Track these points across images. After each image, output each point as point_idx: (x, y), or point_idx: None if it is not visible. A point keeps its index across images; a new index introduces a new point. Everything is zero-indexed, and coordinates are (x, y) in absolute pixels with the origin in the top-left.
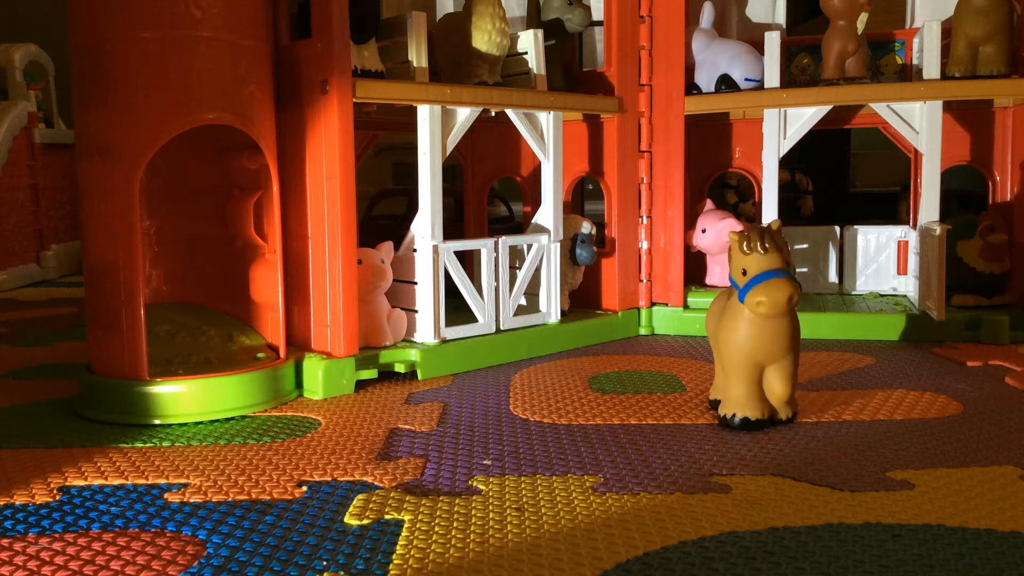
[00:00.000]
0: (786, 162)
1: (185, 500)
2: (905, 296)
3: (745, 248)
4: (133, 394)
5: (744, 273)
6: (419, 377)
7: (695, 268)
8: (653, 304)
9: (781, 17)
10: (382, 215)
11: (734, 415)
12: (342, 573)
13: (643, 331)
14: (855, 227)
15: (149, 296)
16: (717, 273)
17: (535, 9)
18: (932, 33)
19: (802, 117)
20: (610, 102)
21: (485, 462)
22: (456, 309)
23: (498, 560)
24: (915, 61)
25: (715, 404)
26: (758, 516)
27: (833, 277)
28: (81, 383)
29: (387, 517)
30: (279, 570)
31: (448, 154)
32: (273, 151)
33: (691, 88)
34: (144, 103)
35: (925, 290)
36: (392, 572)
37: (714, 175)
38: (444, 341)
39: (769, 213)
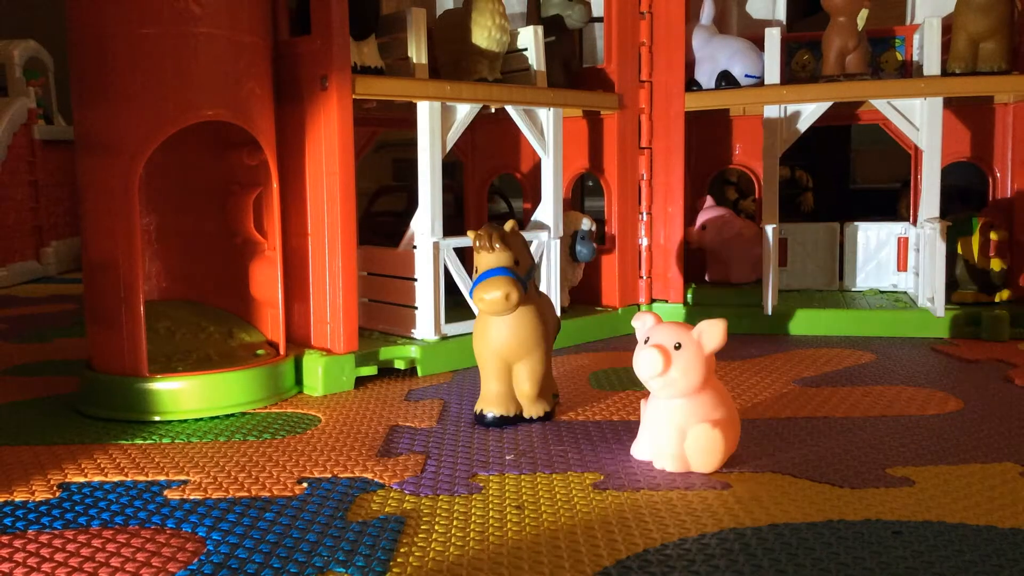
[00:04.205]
0: (786, 158)
1: (185, 497)
2: (905, 292)
3: (477, 246)
4: (133, 391)
5: (476, 270)
6: (419, 374)
7: (695, 265)
8: (653, 301)
9: (781, 13)
10: (382, 211)
11: (484, 411)
12: (342, 570)
13: None
14: (855, 223)
15: (149, 292)
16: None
17: (535, 5)
18: (932, 29)
19: (802, 113)
20: (610, 98)
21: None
22: (455, 306)
23: (498, 558)
24: (915, 57)
25: None
26: (758, 513)
27: (833, 274)
28: (81, 380)
29: (387, 514)
30: (279, 567)
31: (448, 150)
32: (273, 147)
33: (691, 84)
34: (143, 99)
35: (925, 287)
36: (393, 569)
37: (714, 172)
38: (444, 338)
39: (769, 210)
